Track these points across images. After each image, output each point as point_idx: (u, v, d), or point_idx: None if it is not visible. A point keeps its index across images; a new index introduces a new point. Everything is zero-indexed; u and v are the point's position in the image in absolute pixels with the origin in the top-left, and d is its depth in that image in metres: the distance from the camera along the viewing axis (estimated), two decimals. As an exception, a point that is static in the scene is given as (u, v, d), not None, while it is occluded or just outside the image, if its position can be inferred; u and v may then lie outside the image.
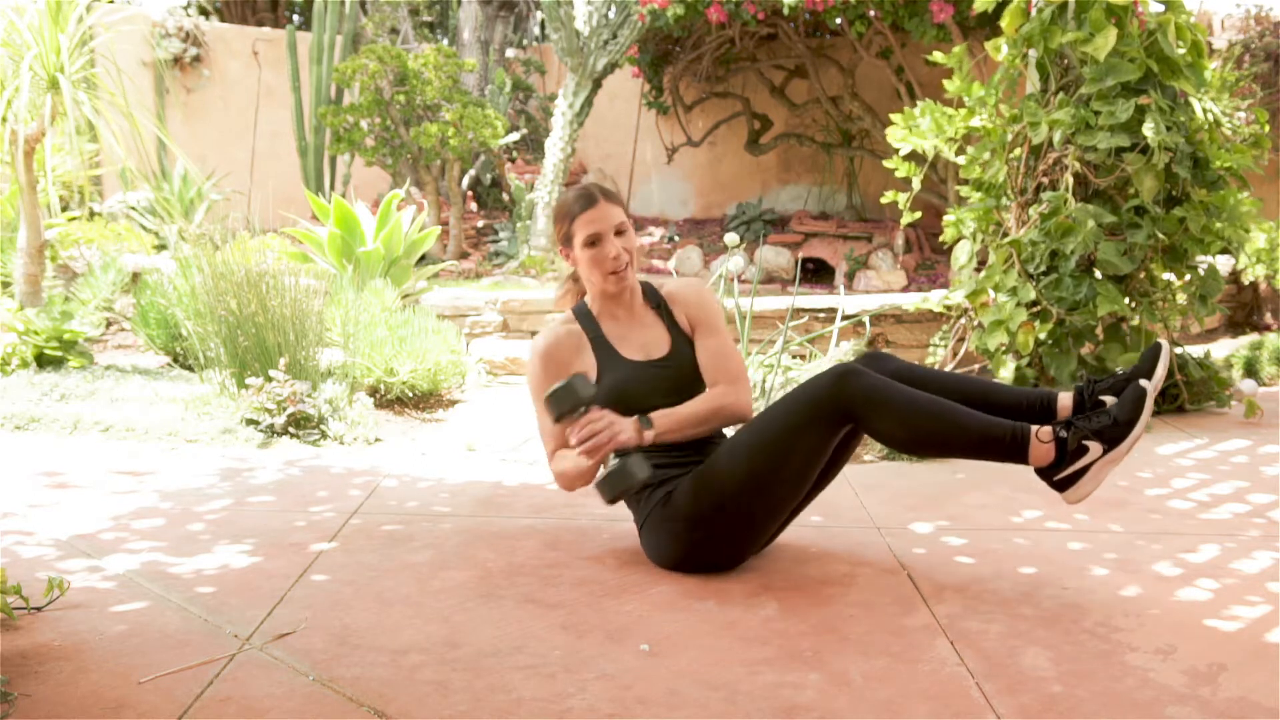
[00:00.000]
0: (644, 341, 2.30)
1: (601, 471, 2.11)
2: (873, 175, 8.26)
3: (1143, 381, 2.01)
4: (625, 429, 2.10)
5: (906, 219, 4.43)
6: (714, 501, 2.11)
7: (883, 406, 2.02)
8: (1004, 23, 4.00)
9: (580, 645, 1.84)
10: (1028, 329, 3.83)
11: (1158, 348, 2.12)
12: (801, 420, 2.06)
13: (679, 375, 2.28)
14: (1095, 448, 1.98)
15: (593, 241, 2.22)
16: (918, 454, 2.11)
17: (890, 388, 2.03)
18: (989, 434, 2.01)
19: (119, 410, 3.73)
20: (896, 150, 4.44)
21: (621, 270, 2.24)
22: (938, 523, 2.61)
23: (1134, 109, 3.65)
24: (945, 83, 4.23)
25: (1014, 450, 2.01)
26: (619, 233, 2.24)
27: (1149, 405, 1.99)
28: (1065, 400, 2.17)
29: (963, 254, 4.25)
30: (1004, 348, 4.01)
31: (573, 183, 8.26)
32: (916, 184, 4.37)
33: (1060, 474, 2.01)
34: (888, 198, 4.51)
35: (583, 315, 2.33)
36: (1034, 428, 2.01)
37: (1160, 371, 2.08)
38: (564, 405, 2.07)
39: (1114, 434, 1.97)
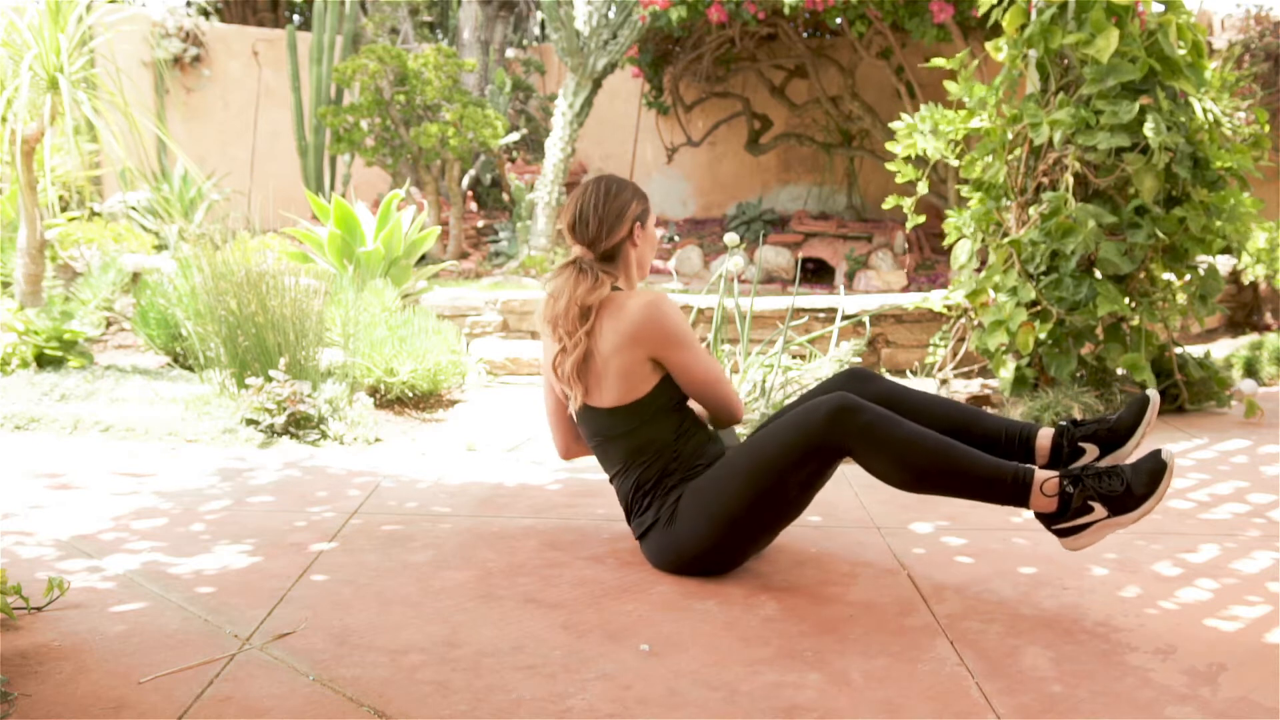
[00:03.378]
0: None
1: None
2: (873, 175, 8.26)
3: (1164, 454, 1.91)
4: None
5: (911, 223, 4.43)
6: (714, 522, 2.11)
7: (880, 446, 1.98)
8: (1005, 23, 4.00)
9: (580, 645, 1.84)
10: (1028, 329, 3.83)
11: (1145, 401, 2.08)
12: (796, 454, 2.04)
13: None
14: (1100, 510, 1.91)
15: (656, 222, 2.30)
16: (914, 492, 2.06)
17: (887, 425, 1.98)
18: (989, 480, 1.96)
19: (119, 410, 3.73)
20: (897, 153, 4.44)
21: None
22: (938, 523, 2.61)
23: (1137, 110, 3.65)
24: (948, 84, 4.22)
25: (1015, 497, 1.96)
26: None
27: (1168, 479, 1.88)
28: (1044, 440, 2.15)
29: (963, 254, 4.25)
30: (1004, 348, 4.01)
31: (573, 183, 8.26)
32: (923, 188, 4.37)
33: (1060, 525, 1.97)
34: (890, 202, 4.48)
35: None
36: (1037, 476, 1.95)
37: (1145, 428, 2.06)
38: None
39: (1126, 504, 1.90)
